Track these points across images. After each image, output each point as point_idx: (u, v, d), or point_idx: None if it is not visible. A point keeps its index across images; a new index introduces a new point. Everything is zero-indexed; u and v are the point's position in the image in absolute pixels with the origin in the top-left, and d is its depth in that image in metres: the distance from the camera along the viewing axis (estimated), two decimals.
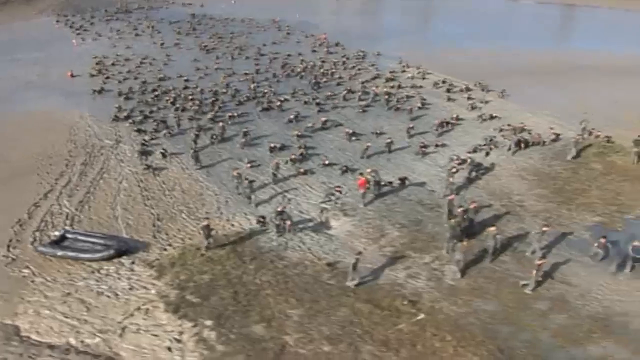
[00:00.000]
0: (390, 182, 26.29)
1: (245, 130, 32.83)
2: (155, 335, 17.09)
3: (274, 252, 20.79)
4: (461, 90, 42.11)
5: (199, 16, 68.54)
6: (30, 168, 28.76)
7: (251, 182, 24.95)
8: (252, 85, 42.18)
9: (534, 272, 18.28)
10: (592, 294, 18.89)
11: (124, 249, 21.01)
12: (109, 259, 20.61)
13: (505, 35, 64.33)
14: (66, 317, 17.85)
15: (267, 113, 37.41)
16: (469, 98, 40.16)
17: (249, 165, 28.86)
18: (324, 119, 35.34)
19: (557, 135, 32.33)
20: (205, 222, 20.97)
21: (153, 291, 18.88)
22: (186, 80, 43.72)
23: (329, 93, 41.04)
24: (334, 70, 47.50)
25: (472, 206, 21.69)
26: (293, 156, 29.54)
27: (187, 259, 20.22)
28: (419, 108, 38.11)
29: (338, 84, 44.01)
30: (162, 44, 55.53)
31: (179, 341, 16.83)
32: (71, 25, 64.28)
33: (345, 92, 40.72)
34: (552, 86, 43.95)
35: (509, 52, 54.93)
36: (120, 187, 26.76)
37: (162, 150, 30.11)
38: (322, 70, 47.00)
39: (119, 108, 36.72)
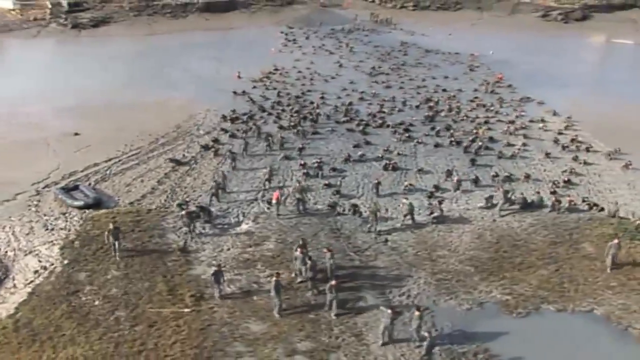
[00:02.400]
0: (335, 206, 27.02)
1: (301, 146, 36.21)
2: (40, 261, 23.12)
3: (161, 231, 24.76)
4: (579, 149, 37.07)
5: (408, 44, 71.66)
6: (126, 139, 37.35)
7: (218, 183, 28.68)
8: (368, 110, 44.60)
9: None
10: None
11: (91, 203, 27.56)
12: (79, 208, 27.41)
13: None
14: (13, 234, 25.12)
15: (351, 134, 39.67)
16: (574, 158, 35.44)
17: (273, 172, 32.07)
18: (384, 149, 36.19)
19: (595, 207, 27.33)
20: (111, 226, 22.60)
21: (69, 233, 24.99)
22: (321, 97, 48.32)
23: (431, 128, 40.93)
24: (470, 110, 46.19)
25: (325, 251, 21.66)
26: (305, 171, 32.06)
27: (102, 217, 25.75)
28: (505, 157, 35.57)
29: (454, 121, 43.14)
30: (341, 64, 61.01)
31: (45, 269, 22.54)
32: (287, 37, 74.37)
33: (439, 128, 40.20)
34: None
35: None
36: (159, 166, 33.42)
37: (215, 148, 35.62)
38: (450, 105, 46.25)
39: (233, 110, 43.67)
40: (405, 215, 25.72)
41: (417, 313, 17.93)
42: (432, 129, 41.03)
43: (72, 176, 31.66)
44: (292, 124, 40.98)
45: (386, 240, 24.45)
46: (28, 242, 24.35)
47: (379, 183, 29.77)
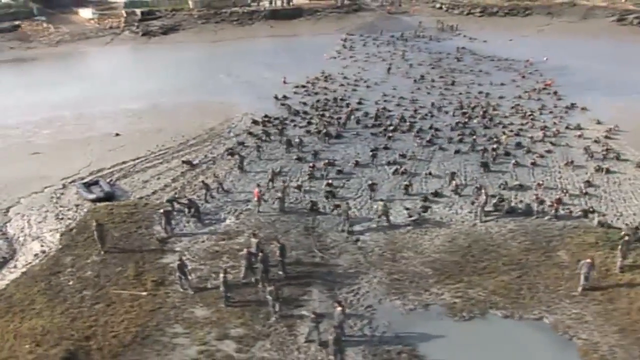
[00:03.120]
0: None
1: (315, 149, 37.44)
2: (42, 246, 25.94)
3: (150, 222, 26.87)
4: (606, 158, 35.49)
5: (465, 51, 70.33)
6: (160, 139, 39.69)
7: (207, 185, 30.24)
8: (399, 114, 45.03)
9: None
10: None
11: (102, 197, 30.26)
12: (91, 200, 30.18)
13: None
14: (29, 222, 28.22)
15: (375, 139, 40.16)
16: (596, 168, 34.04)
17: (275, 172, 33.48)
18: (400, 154, 36.60)
19: (589, 215, 26.46)
20: (95, 223, 24.73)
21: (72, 222, 27.74)
22: (359, 103, 49.14)
23: (458, 134, 40.65)
24: (505, 116, 45.27)
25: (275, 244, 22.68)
26: (311, 171, 33.23)
27: (102, 209, 28.25)
28: (522, 164, 34.91)
29: (486, 127, 42.56)
30: (389, 69, 61.24)
31: (44, 253, 25.27)
32: (345, 44, 74.88)
33: (461, 135, 39.89)
34: None
35: None
36: (179, 165, 35.64)
37: (229, 150, 37.40)
38: (484, 112, 45.54)
39: (266, 115, 45.38)
40: (379, 216, 26.06)
41: (339, 308, 18.44)
42: (459, 134, 40.51)
43: (99, 172, 34.60)
44: (317, 128, 41.87)
45: (357, 240, 24.94)
46: (38, 229, 27.28)
47: (373, 184, 30.05)
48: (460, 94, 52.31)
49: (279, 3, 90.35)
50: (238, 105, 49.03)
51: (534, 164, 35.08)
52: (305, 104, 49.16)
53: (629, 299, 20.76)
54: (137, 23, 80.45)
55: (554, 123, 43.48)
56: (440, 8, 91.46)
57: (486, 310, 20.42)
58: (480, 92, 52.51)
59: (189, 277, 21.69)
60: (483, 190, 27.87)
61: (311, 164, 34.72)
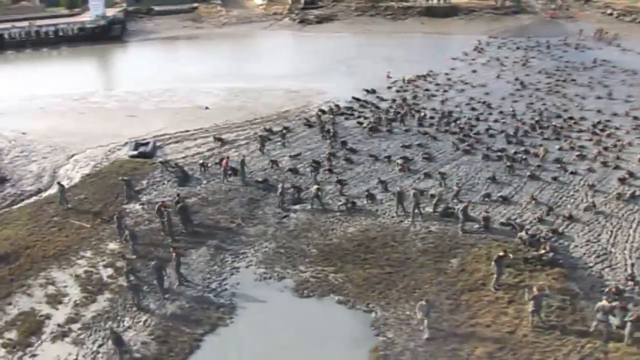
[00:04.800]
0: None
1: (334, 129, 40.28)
2: (67, 183, 33.11)
3: (141, 177, 32.30)
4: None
5: (602, 63, 63.04)
6: (233, 115, 44.89)
7: (178, 165, 34.16)
8: (452, 118, 44.70)
9: None
10: None
11: (136, 154, 36.73)
12: (130, 156, 36.91)
13: None
14: (74, 166, 35.75)
15: (420, 136, 40.65)
16: (618, 196, 30.93)
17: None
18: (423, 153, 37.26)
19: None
20: (58, 186, 30.04)
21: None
22: (441, 103, 49.09)
23: (507, 142, 39.50)
24: (582, 130, 42.13)
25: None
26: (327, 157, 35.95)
27: (116, 163, 34.58)
28: (538, 178, 33.26)
29: (544, 139, 40.35)
30: (499, 76, 58.49)
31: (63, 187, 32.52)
32: (478, 46, 71.38)
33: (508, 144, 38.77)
34: None
35: None
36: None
37: (262, 133, 40.78)
38: (557, 125, 42.77)
39: (337, 105, 47.85)
40: (312, 198, 27.82)
41: (174, 254, 21.63)
42: (508, 142, 39.05)
43: (162, 136, 40.96)
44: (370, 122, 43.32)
45: (285, 216, 27.26)
46: (75, 172, 34.58)
47: (340, 181, 31.36)
48: (554, 104, 48.46)
49: (435, 0, 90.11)
50: (327, 93, 51.60)
51: (555, 179, 32.64)
52: (382, 99, 50.23)
53: (472, 314, 20.00)
54: (297, 11, 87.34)
55: (628, 144, 38.66)
56: (611, 14, 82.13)
57: (327, 294, 21.46)
58: (577, 105, 48.15)
59: (124, 227, 25.93)
60: (411, 190, 27.71)
61: (330, 151, 36.83)
